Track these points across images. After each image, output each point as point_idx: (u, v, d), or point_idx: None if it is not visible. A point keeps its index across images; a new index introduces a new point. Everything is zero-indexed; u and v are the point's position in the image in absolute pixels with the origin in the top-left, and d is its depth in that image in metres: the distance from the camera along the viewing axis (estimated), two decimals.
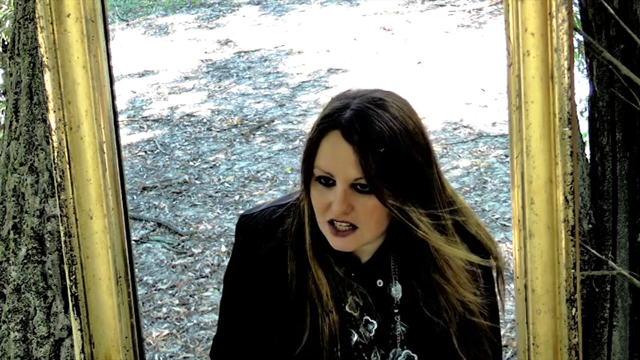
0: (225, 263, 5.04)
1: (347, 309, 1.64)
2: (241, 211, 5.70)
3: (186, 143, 6.93)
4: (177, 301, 4.75)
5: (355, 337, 1.65)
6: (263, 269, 1.67)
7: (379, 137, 1.51)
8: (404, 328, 1.65)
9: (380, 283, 1.66)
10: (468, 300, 1.61)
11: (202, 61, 8.82)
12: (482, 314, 1.64)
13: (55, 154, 1.33)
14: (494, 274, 1.70)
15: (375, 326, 1.65)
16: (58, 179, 1.33)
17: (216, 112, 7.49)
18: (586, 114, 2.67)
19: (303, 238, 1.64)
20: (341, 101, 1.57)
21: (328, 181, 1.55)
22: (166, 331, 4.49)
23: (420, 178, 1.56)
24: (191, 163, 6.54)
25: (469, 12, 9.38)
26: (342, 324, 1.64)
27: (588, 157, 2.62)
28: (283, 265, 1.65)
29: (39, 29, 1.30)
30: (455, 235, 1.62)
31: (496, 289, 1.72)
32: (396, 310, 1.65)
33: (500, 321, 1.74)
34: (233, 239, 1.78)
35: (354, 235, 1.57)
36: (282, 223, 1.68)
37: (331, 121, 1.55)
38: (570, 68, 1.26)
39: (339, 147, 1.53)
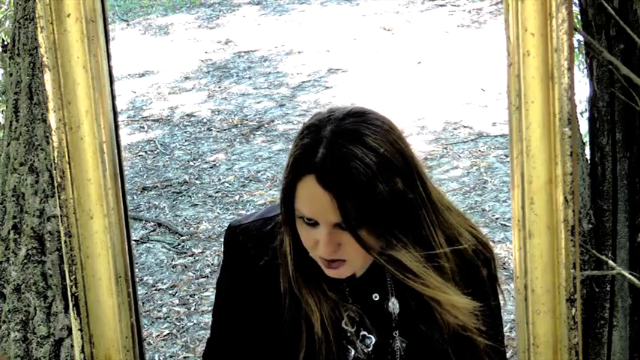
0: None
1: (343, 325, 1.62)
2: (242, 212, 5.72)
3: (186, 143, 6.93)
4: (177, 301, 4.75)
5: (352, 353, 1.63)
6: (255, 283, 1.65)
7: (357, 180, 1.45)
8: (403, 344, 1.64)
9: (376, 297, 1.64)
10: (463, 322, 1.59)
11: (202, 61, 8.82)
12: (479, 329, 1.60)
13: (55, 154, 1.32)
14: (494, 279, 1.69)
15: (373, 341, 1.63)
16: (58, 179, 1.33)
17: (216, 112, 7.49)
18: (586, 114, 2.67)
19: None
20: (311, 135, 1.51)
21: (311, 221, 1.52)
22: (166, 331, 4.49)
23: (405, 206, 1.51)
24: (191, 163, 6.54)
25: (469, 12, 9.38)
26: (339, 340, 1.62)
27: (588, 157, 2.62)
28: (276, 281, 1.63)
29: (39, 29, 1.30)
30: (450, 264, 1.57)
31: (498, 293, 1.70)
32: (394, 325, 1.64)
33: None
34: None
35: (346, 266, 1.55)
36: (273, 238, 1.64)
37: (304, 164, 1.49)
38: (570, 68, 1.26)
39: (316, 193, 1.48)
